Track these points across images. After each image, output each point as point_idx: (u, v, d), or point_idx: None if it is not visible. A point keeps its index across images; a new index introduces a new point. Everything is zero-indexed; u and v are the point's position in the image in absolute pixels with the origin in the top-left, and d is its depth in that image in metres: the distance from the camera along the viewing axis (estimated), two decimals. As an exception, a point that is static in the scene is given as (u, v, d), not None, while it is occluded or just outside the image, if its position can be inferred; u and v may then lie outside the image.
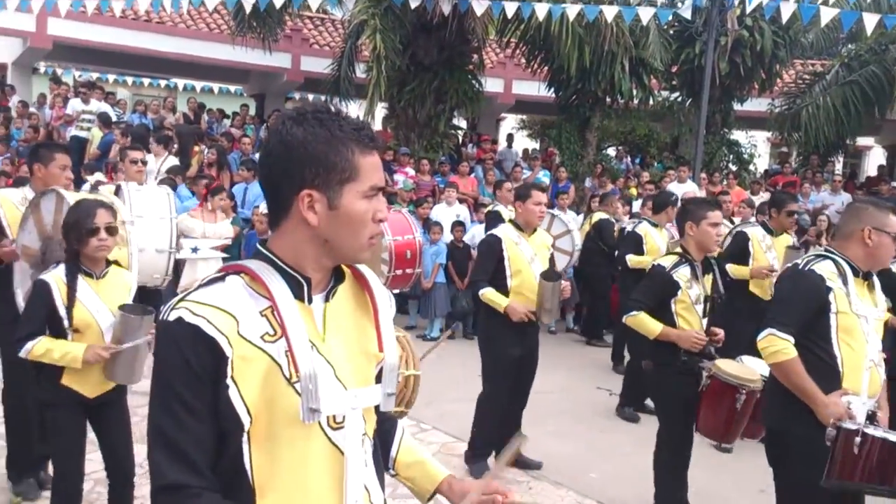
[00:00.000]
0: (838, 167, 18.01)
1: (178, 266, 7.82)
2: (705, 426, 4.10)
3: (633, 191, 12.83)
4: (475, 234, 9.67)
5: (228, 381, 1.41)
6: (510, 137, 17.65)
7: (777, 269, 6.06)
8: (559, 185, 12.56)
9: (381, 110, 14.72)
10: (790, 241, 6.62)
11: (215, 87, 24.56)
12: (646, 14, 11.85)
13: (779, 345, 3.17)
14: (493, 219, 8.74)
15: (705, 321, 4.25)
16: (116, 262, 3.60)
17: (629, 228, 7.56)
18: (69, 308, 3.34)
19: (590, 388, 7.52)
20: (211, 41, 17.02)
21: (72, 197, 3.88)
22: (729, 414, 4.00)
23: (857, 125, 15.30)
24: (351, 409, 1.53)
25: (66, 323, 3.35)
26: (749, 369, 4.13)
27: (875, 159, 22.45)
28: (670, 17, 13.23)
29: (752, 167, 17.32)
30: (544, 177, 13.05)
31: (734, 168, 16.16)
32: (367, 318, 1.63)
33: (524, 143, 21.36)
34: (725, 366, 4.06)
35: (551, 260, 5.31)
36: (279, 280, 1.48)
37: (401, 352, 3.02)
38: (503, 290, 5.00)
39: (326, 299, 1.55)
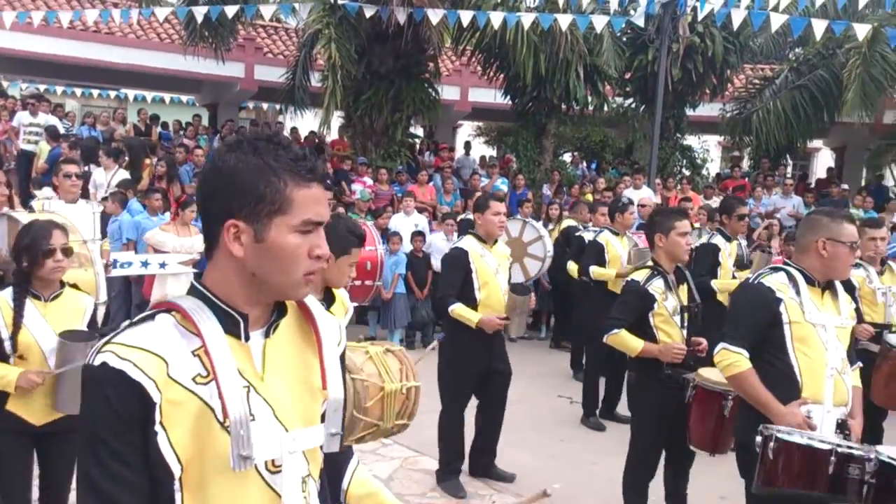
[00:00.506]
0: (789, 170, 18.39)
1: (129, 284, 7.65)
2: (696, 437, 4.06)
3: (589, 197, 12.92)
4: (432, 242, 9.63)
5: (157, 427, 1.33)
6: (468, 145, 17.67)
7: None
8: (517, 192, 12.59)
9: (337, 119, 14.62)
10: (743, 245, 6.71)
11: (167, 97, 24.20)
12: (599, 22, 11.97)
13: (731, 358, 3.21)
14: (468, 227, 8.71)
15: (685, 332, 4.22)
16: (75, 286, 3.48)
17: (590, 237, 7.49)
18: (14, 333, 3.21)
19: (551, 396, 7.52)
20: (161, 51, 16.72)
21: (25, 218, 3.74)
22: (718, 422, 3.96)
23: (807, 128, 15.64)
24: (289, 452, 1.45)
25: (7, 347, 3.22)
26: None
27: (824, 161, 22.99)
28: (623, 25, 13.38)
29: (704, 171, 17.60)
30: (502, 184, 13.09)
31: (688, 173, 16.41)
32: (313, 353, 1.55)
33: (481, 150, 21.42)
34: (708, 374, 4.03)
35: (527, 253, 5.35)
36: (210, 318, 1.40)
37: (399, 365, 3.04)
38: (470, 302, 4.97)
39: (266, 335, 1.48)
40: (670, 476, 4.46)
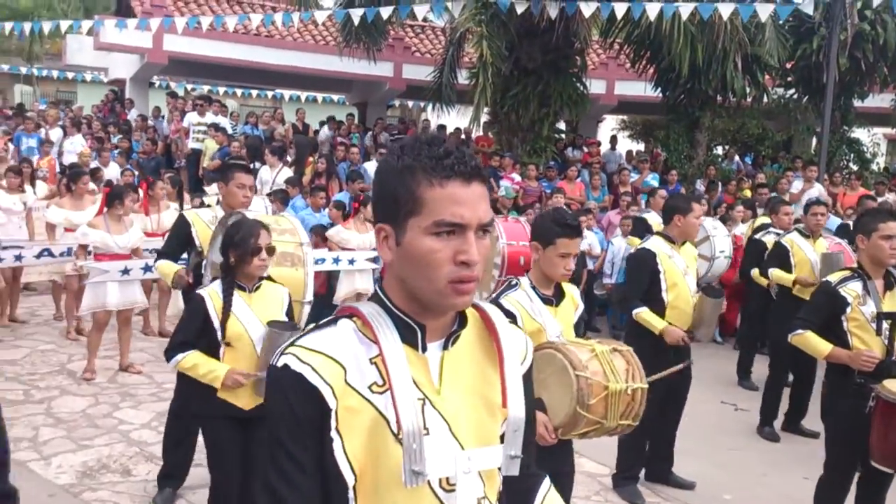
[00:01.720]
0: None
1: (332, 279, 8.05)
2: (876, 452, 3.79)
3: (747, 192, 12.33)
4: (591, 242, 9.54)
5: (333, 433, 1.32)
6: (614, 139, 17.30)
7: None
8: (669, 188, 12.20)
9: (483, 116, 14.71)
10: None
11: (319, 96, 25.21)
12: (764, 10, 11.34)
13: (805, 339, 3.09)
14: (639, 226, 8.53)
15: (888, 340, 3.90)
16: (269, 277, 3.67)
17: (776, 240, 6.89)
18: (223, 322, 3.43)
19: (714, 402, 7.23)
20: (317, 52, 17.45)
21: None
22: None
23: None
24: (463, 472, 1.38)
25: (219, 335, 3.44)
26: None
27: None
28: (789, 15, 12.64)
29: (874, 166, 16.39)
30: (653, 180, 12.71)
31: (855, 167, 15.34)
32: (493, 369, 1.46)
33: (626, 144, 20.93)
34: (893, 385, 3.74)
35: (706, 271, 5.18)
36: (388, 326, 1.37)
37: (625, 365, 3.09)
38: (658, 304, 4.84)
39: (445, 347, 1.42)
40: (864, 494, 4.17)
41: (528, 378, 1.52)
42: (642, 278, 4.87)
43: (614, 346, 3.15)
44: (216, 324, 3.43)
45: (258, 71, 17.62)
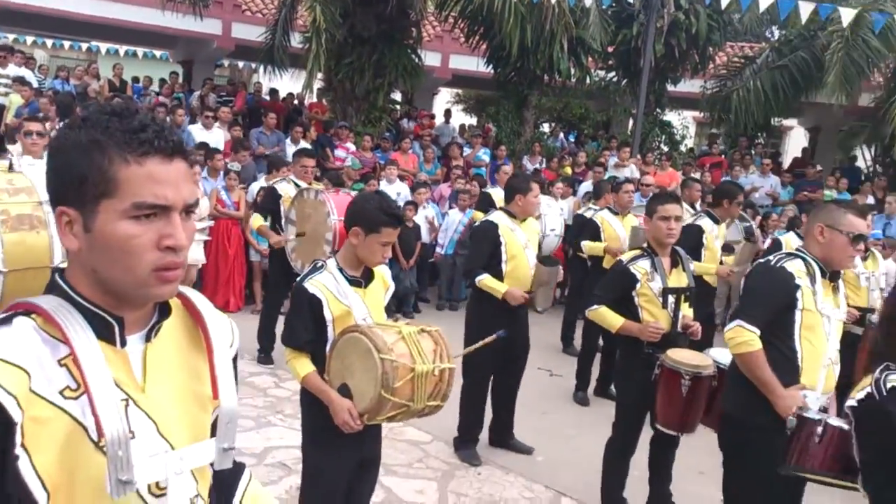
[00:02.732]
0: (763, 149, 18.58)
1: None
2: (661, 416, 4.16)
3: (568, 170, 12.95)
4: (430, 214, 9.76)
5: (18, 450, 1.13)
6: (448, 113, 17.54)
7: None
8: (497, 162, 12.56)
9: (317, 82, 14.41)
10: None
11: (140, 51, 23.65)
12: (589, -5, 11.89)
13: (745, 336, 3.25)
14: (485, 200, 8.89)
15: (673, 313, 4.26)
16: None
17: (587, 216, 7.63)
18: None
19: (532, 368, 7.58)
20: (137, 5, 16.28)
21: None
22: (678, 401, 4.05)
23: (784, 108, 15.78)
24: (175, 473, 1.27)
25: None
26: (700, 356, 4.18)
27: (795, 140, 23.24)
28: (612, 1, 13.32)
29: (682, 147, 17.71)
30: (484, 154, 13.04)
31: (666, 149, 16.51)
32: (202, 358, 1.36)
33: (459, 118, 21.29)
34: (675, 354, 4.12)
35: (540, 245, 5.48)
36: (78, 321, 1.20)
37: (433, 346, 2.98)
38: (495, 275, 5.12)
39: (147, 339, 1.29)
40: (655, 454, 4.56)
41: (235, 363, 1.44)
42: (484, 249, 5.13)
43: (422, 328, 3.06)
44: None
45: (71, 21, 16.22)
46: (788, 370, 3.24)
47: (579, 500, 4.83)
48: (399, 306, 9.42)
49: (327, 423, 3.02)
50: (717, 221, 6.48)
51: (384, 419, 2.96)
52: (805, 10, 10.91)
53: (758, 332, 3.25)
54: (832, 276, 3.37)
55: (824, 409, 3.30)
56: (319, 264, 3.20)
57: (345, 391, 2.98)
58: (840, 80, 12.95)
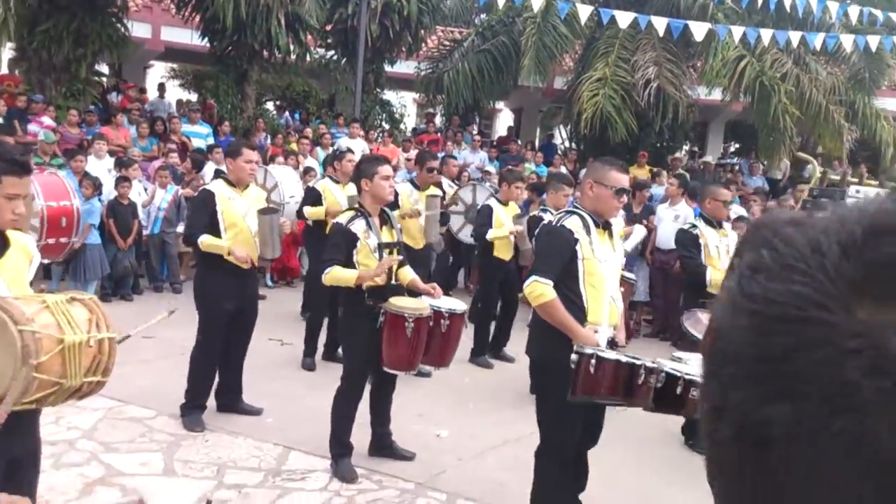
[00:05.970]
0: (475, 128, 20.02)
1: None
2: (389, 358, 4.50)
3: (294, 146, 13.01)
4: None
5: None
6: (162, 87, 16.66)
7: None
8: (221, 139, 12.26)
9: (8, 52, 13.00)
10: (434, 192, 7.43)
11: None
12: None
13: (540, 289, 3.70)
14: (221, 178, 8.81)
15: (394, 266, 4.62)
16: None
17: (312, 185, 8.03)
18: None
19: (262, 339, 7.61)
20: None
21: None
22: (404, 343, 4.44)
23: (491, 90, 17.07)
24: None
25: None
26: (417, 301, 4.62)
27: (505, 121, 25.31)
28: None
29: (402, 126, 18.51)
30: (202, 128, 12.65)
31: (387, 126, 17.15)
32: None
33: (177, 93, 20.29)
34: (397, 301, 4.50)
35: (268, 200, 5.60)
36: None
37: (88, 315, 2.61)
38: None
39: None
40: (376, 398, 4.89)
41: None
42: (201, 215, 5.21)
43: (73, 296, 2.68)
44: None
45: None
46: (577, 311, 3.74)
47: (308, 451, 5.00)
48: (116, 288, 8.91)
49: None
50: (418, 188, 7.23)
51: (35, 402, 2.50)
52: (500, -3, 11.92)
53: (551, 283, 3.70)
54: (605, 225, 3.88)
55: (611, 340, 3.87)
56: None
57: None
58: (535, 63, 14.34)
